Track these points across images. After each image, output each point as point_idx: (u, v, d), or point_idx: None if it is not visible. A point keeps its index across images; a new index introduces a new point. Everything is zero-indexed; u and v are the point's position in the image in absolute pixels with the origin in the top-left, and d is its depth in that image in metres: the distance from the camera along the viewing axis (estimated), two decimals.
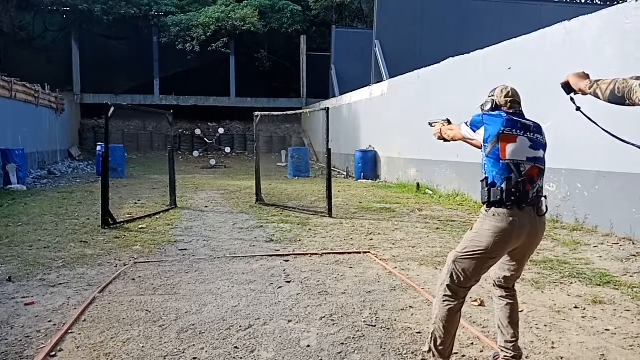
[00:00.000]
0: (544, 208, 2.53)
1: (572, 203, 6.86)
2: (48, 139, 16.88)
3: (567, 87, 2.28)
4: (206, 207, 9.00)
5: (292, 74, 24.56)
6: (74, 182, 13.19)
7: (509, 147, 2.48)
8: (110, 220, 6.74)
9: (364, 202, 9.60)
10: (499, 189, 2.45)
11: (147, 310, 3.63)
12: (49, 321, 3.41)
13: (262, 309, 3.68)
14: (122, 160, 14.21)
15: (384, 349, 3.01)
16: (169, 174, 9.02)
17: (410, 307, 3.74)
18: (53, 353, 2.89)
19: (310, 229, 6.83)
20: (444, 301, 2.55)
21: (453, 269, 2.54)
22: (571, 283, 4.36)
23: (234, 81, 23.42)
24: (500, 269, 2.67)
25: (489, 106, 2.67)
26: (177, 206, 8.74)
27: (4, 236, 6.07)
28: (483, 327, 3.36)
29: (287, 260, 5.14)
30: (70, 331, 3.21)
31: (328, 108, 8.19)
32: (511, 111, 2.60)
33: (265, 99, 23.32)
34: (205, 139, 22.03)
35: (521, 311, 3.12)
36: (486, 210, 2.51)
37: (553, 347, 3.04)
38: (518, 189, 2.44)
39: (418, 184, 11.03)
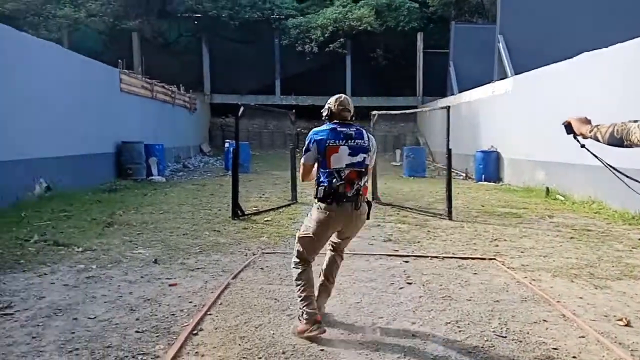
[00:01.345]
0: (361, 204, 3.12)
1: None
2: (182, 136, 18.48)
3: (569, 128, 2.43)
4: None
5: (407, 72, 24.22)
6: (205, 175, 14.31)
7: (333, 157, 3.06)
8: (239, 212, 7.20)
9: (486, 205, 9.18)
10: (323, 188, 3.06)
11: (275, 299, 3.82)
12: (190, 302, 3.74)
13: (384, 309, 3.69)
14: (247, 156, 15.07)
15: None
16: (290, 170, 9.39)
17: (544, 320, 3.51)
18: (195, 332, 3.16)
19: (429, 231, 6.70)
20: (295, 267, 3.25)
21: (297, 244, 3.26)
22: None
23: (350, 81, 23.69)
24: (334, 238, 3.34)
25: (325, 113, 3.24)
26: (298, 201, 9.07)
27: (150, 222, 6.77)
28: (631, 350, 3.04)
29: (407, 261, 5.09)
30: (209, 313, 3.50)
31: (449, 106, 7.95)
32: (337, 121, 3.17)
33: (380, 98, 23.28)
34: None
35: None
36: (315, 203, 3.15)
37: None
38: (337, 190, 3.04)
39: (547, 189, 10.28)
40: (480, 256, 5.41)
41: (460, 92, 17.95)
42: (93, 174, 10.42)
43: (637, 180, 2.18)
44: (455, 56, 20.28)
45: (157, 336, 3.08)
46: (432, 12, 23.86)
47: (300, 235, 3.24)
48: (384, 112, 9.96)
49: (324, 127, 3.17)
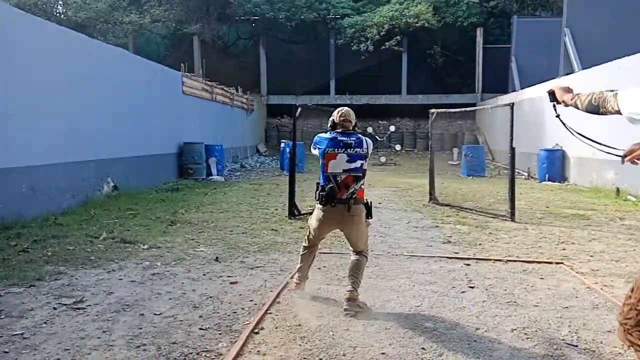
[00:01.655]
0: (352, 206, 3.46)
1: None
2: (240, 136, 18.91)
3: (552, 96, 2.55)
4: (379, 203, 9.12)
5: (466, 68, 23.58)
6: (261, 175, 14.56)
7: (331, 163, 3.47)
8: (295, 211, 7.26)
9: (551, 206, 8.77)
10: (321, 192, 3.49)
11: (334, 300, 3.81)
12: (250, 300, 3.79)
13: (446, 313, 3.59)
14: (302, 156, 15.18)
15: None
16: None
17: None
18: (256, 330, 3.20)
19: (490, 233, 6.47)
20: (304, 247, 3.86)
21: (306, 232, 3.84)
22: None
23: (406, 79, 23.36)
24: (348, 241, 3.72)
25: (329, 124, 3.63)
26: None
27: (210, 221, 6.95)
28: None
29: (468, 264, 4.94)
30: (269, 312, 3.53)
31: (513, 103, 7.67)
32: (340, 130, 3.55)
33: (437, 96, 22.80)
34: (376, 136, 22.41)
35: None
36: (316, 203, 3.60)
37: None
38: (333, 194, 3.44)
39: (617, 189, 9.69)
40: (546, 260, 5.17)
41: (522, 88, 17.25)
42: (157, 173, 10.85)
43: (609, 147, 2.30)
44: (518, 51, 19.50)
45: (219, 334, 3.14)
46: (493, 7, 23.08)
47: (308, 226, 3.81)
48: (443, 110, 9.71)
49: (326, 135, 3.59)
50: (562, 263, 5.01)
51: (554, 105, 2.54)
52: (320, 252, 5.29)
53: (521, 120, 15.13)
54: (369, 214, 3.62)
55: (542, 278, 4.54)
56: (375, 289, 4.01)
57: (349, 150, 3.45)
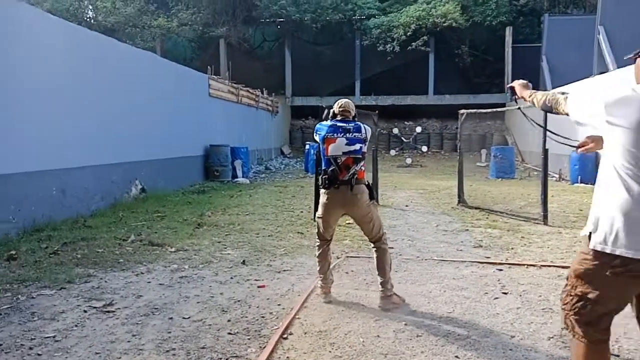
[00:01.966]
0: (356, 185, 3.60)
1: None
2: (265, 138, 18.97)
3: (512, 91, 2.72)
4: (406, 206, 9.01)
5: (494, 68, 23.13)
6: (286, 177, 14.57)
7: (331, 147, 3.65)
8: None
9: (584, 209, 8.48)
10: (324, 175, 3.65)
11: (363, 305, 3.74)
12: (278, 304, 3.75)
13: (479, 320, 3.48)
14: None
15: None
16: (372, 172, 9.26)
17: None
18: (285, 335, 3.15)
19: (522, 237, 6.29)
20: (317, 246, 3.91)
21: (316, 225, 3.92)
22: None
23: (433, 79, 23.06)
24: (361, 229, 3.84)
25: (330, 114, 3.87)
26: (379, 204, 8.92)
27: (236, 223, 6.96)
28: None
29: (501, 269, 4.79)
30: (297, 316, 3.48)
31: None
32: (340, 118, 3.75)
33: (464, 96, 22.43)
34: (402, 137, 22.21)
35: None
36: (321, 189, 3.73)
37: None
38: (335, 176, 3.60)
39: None
40: None
41: (553, 87, 16.83)
42: (183, 175, 10.95)
43: (567, 139, 2.52)
44: (549, 50, 19.04)
45: (248, 338, 3.10)
46: (523, 5, 22.59)
47: (317, 217, 3.89)
48: (473, 110, 9.50)
49: (326, 122, 3.82)
50: None
51: (515, 100, 2.75)
52: (348, 257, 5.26)
53: (552, 121, 14.76)
54: (372, 196, 3.75)
55: None
56: (405, 295, 3.91)
57: (347, 134, 3.66)
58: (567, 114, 2.17)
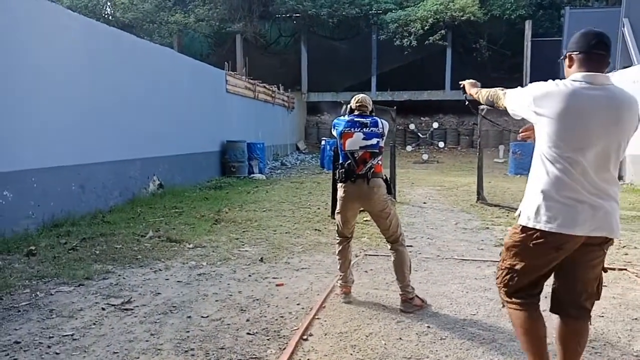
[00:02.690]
0: (370, 179, 3.57)
1: None
2: (281, 134, 18.93)
3: (464, 89, 2.96)
4: (424, 203, 8.89)
5: (513, 63, 22.73)
6: (302, 173, 14.51)
7: (348, 142, 3.64)
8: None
9: None
10: (341, 170, 3.63)
11: (384, 306, 3.66)
12: (297, 304, 3.69)
13: (504, 323, 3.37)
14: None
15: None
16: (390, 168, 9.15)
17: None
18: (305, 337, 3.08)
19: None
20: (337, 243, 3.86)
21: (336, 222, 3.86)
22: None
23: (450, 74, 22.76)
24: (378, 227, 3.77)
25: (348, 109, 3.88)
26: (397, 200, 8.81)
27: (254, 220, 6.92)
28: None
29: None
30: (317, 317, 3.41)
31: None
32: (357, 113, 3.75)
33: None
34: (418, 133, 22.00)
35: None
36: (337, 183, 3.74)
37: None
38: (351, 169, 3.59)
39: None
40: (608, 266, 4.81)
41: None
42: (200, 171, 10.96)
43: (503, 127, 2.95)
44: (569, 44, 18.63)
45: (267, 339, 3.05)
46: None
47: (336, 213, 3.85)
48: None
49: (344, 117, 3.80)
50: (625, 269, 4.68)
51: (465, 97, 2.97)
52: (367, 255, 5.18)
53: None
54: (389, 191, 3.72)
55: (605, 285, 4.18)
56: (426, 295, 3.82)
57: (364, 129, 3.65)
58: (505, 107, 2.45)
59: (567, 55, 2.26)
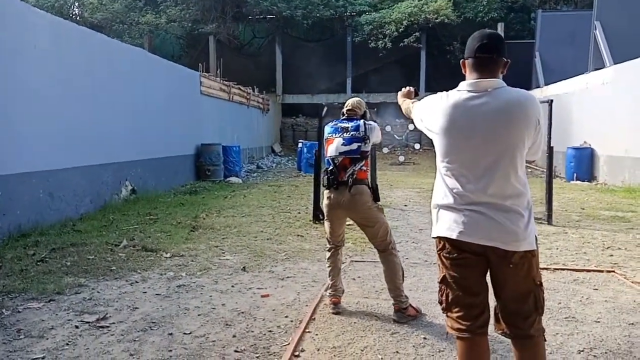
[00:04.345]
0: (355, 186, 3.43)
1: None
2: (256, 137, 18.65)
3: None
4: (405, 205, 8.80)
5: None
6: (279, 176, 14.28)
7: (329, 148, 3.58)
8: (320, 215, 6.94)
9: (586, 207, 8.36)
10: (324, 176, 3.57)
11: (376, 316, 3.51)
12: (286, 316, 3.50)
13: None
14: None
15: None
16: (370, 171, 9.01)
17: None
18: (296, 353, 2.91)
19: None
20: (327, 250, 3.77)
21: (324, 229, 3.82)
22: None
23: (424, 76, 22.91)
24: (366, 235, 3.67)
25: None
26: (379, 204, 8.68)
27: (233, 226, 6.68)
28: None
29: None
30: (307, 330, 3.24)
31: (552, 100, 7.34)
32: (345, 117, 3.68)
33: None
34: (394, 135, 22.02)
35: None
36: (324, 189, 3.63)
37: None
38: (333, 176, 3.50)
39: None
40: (595, 268, 4.81)
41: (546, 84, 16.76)
42: (174, 175, 10.64)
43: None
44: (542, 46, 18.94)
45: (257, 357, 2.85)
46: (514, 1, 22.49)
47: (323, 220, 3.89)
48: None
49: (332, 123, 3.71)
50: (613, 271, 4.66)
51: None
52: (353, 261, 5.02)
53: (545, 118, 14.66)
54: (376, 198, 3.56)
55: (596, 289, 4.19)
56: (419, 303, 3.68)
57: (344, 134, 3.55)
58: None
59: (462, 62, 2.21)
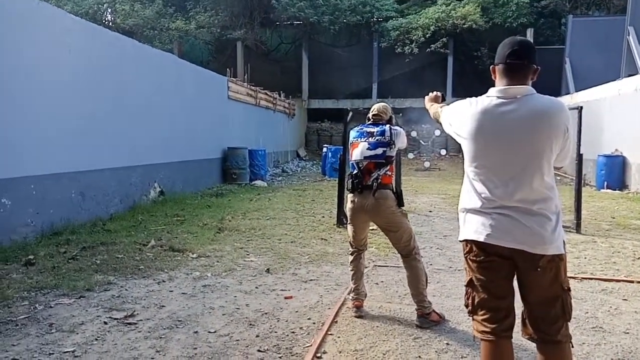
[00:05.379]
0: (379, 190, 3.43)
1: None
2: (282, 141, 18.80)
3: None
4: (430, 211, 8.74)
5: None
6: (303, 180, 14.36)
7: (354, 152, 3.60)
8: (344, 219, 6.96)
9: (617, 216, 8.15)
10: (349, 180, 3.57)
11: (398, 321, 3.50)
12: (308, 318, 3.53)
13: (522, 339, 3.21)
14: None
15: None
16: (395, 176, 8.98)
17: None
18: (319, 355, 2.93)
19: None
20: (349, 253, 3.77)
21: (347, 233, 3.79)
22: None
23: (451, 81, 22.72)
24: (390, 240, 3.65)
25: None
26: (403, 209, 8.65)
27: (257, 228, 6.76)
28: None
29: None
30: (329, 332, 3.26)
31: (581, 107, 7.20)
32: (370, 122, 3.70)
33: None
34: (420, 140, 21.89)
35: None
36: (348, 193, 3.63)
37: None
38: (358, 180, 3.51)
39: None
40: (625, 278, 4.69)
41: (577, 90, 16.42)
42: (201, 178, 10.81)
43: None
44: (572, 52, 18.59)
45: (279, 357, 2.89)
46: (544, 7, 22.16)
47: (346, 224, 3.89)
48: None
49: (358, 127, 3.75)
50: None
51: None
52: (376, 265, 5.03)
53: (576, 124, 14.34)
54: (400, 203, 3.57)
55: (625, 299, 4.09)
56: (442, 310, 3.67)
57: (370, 138, 3.57)
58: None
59: (492, 68, 2.24)
